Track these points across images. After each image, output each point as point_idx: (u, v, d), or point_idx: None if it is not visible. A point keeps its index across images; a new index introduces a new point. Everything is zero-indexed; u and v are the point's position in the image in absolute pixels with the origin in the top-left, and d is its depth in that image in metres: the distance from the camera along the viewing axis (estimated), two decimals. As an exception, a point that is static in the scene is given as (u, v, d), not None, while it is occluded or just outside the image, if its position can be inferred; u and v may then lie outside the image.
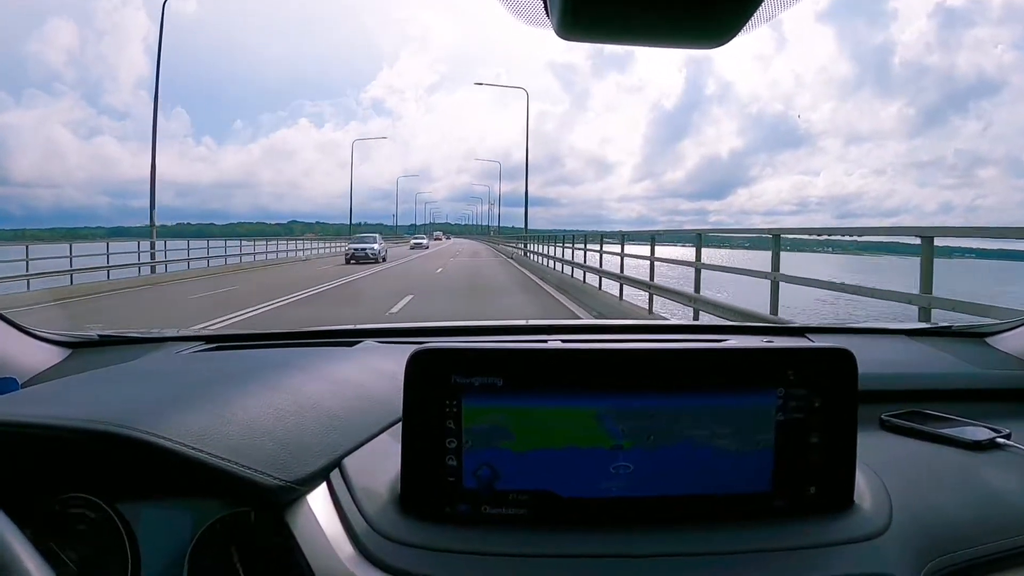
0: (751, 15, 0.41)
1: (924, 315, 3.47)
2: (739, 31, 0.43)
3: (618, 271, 8.90)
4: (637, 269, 8.42)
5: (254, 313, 7.93)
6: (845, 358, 0.61)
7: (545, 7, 0.43)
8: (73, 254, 12.53)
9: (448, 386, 0.59)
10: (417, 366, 0.59)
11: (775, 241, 5.11)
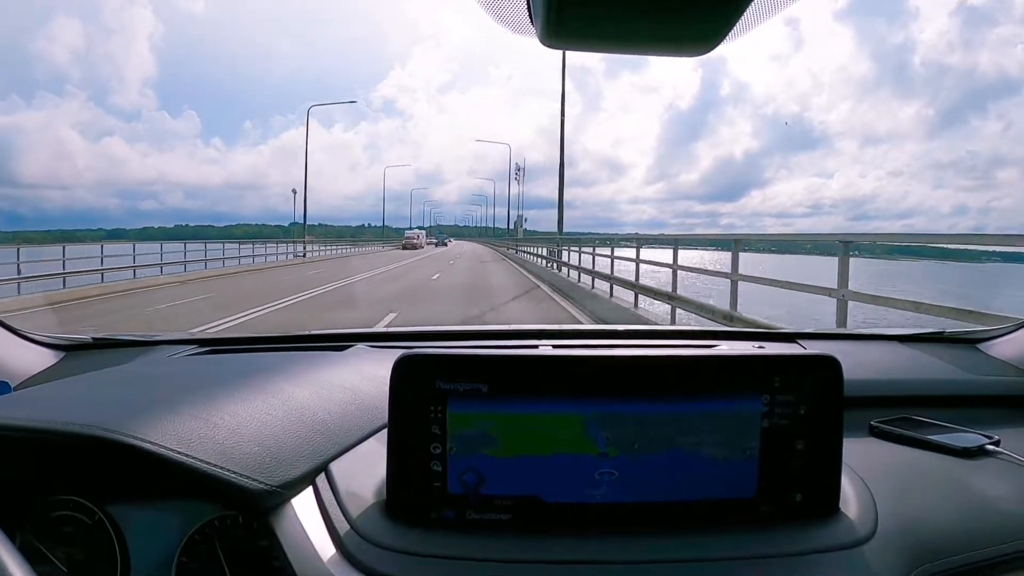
0: (735, 23, 0.41)
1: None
2: (723, 39, 0.43)
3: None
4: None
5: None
6: (831, 365, 0.62)
7: (529, 14, 0.43)
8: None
9: (433, 391, 0.59)
10: (402, 372, 0.59)
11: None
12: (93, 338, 1.11)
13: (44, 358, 1.02)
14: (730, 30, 0.42)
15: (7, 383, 0.86)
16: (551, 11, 0.40)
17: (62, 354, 1.06)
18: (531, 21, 0.44)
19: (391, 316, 7.07)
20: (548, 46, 0.45)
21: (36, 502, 0.62)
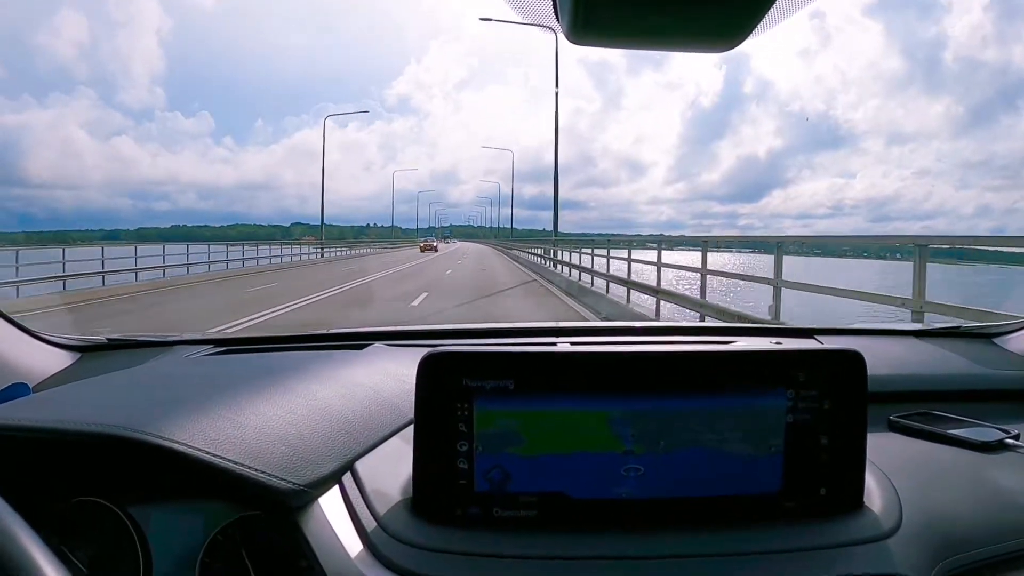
0: (761, 18, 0.41)
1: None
2: (749, 34, 0.43)
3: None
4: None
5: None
6: (854, 359, 0.62)
7: (555, 11, 0.43)
8: None
9: (459, 389, 0.59)
10: (429, 369, 0.59)
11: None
12: (108, 339, 1.11)
13: (60, 359, 1.02)
14: (757, 24, 0.42)
15: (26, 385, 0.86)
16: (578, 7, 0.40)
17: (78, 355, 1.06)
18: (557, 18, 0.44)
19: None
20: (574, 42, 0.45)
21: (58, 503, 0.62)
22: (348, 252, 31.99)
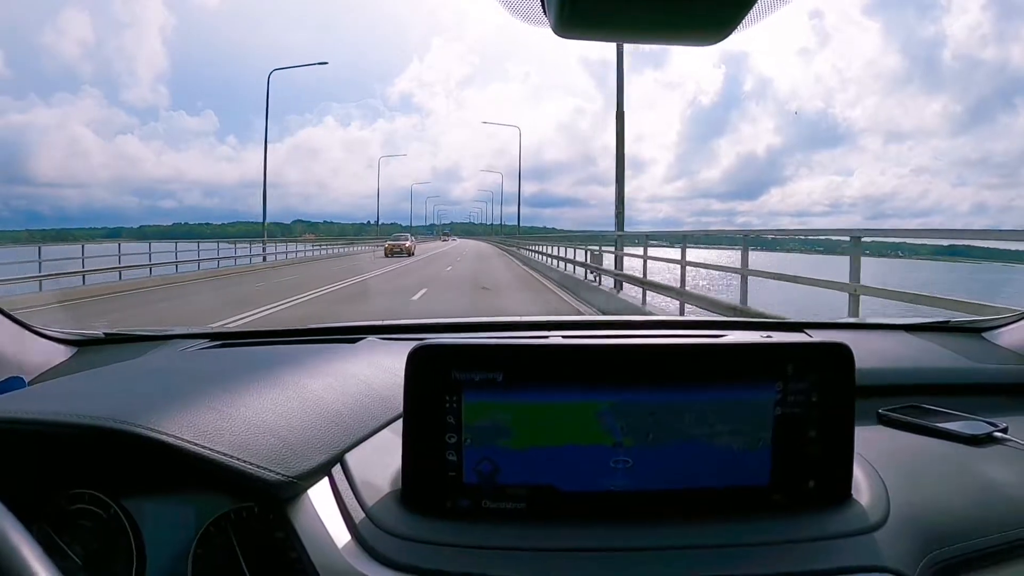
0: (747, 12, 0.41)
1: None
2: (735, 27, 0.43)
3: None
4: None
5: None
6: (843, 353, 0.62)
7: (542, 5, 0.43)
8: None
9: (448, 381, 0.59)
10: (417, 362, 0.59)
11: None
12: (105, 333, 1.12)
13: (57, 353, 1.03)
14: (743, 18, 0.42)
15: (22, 378, 0.86)
16: (564, 1, 0.40)
17: (74, 349, 1.06)
18: (544, 11, 0.44)
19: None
20: (561, 36, 0.45)
21: (53, 495, 0.63)
22: (309, 253, 24.71)
